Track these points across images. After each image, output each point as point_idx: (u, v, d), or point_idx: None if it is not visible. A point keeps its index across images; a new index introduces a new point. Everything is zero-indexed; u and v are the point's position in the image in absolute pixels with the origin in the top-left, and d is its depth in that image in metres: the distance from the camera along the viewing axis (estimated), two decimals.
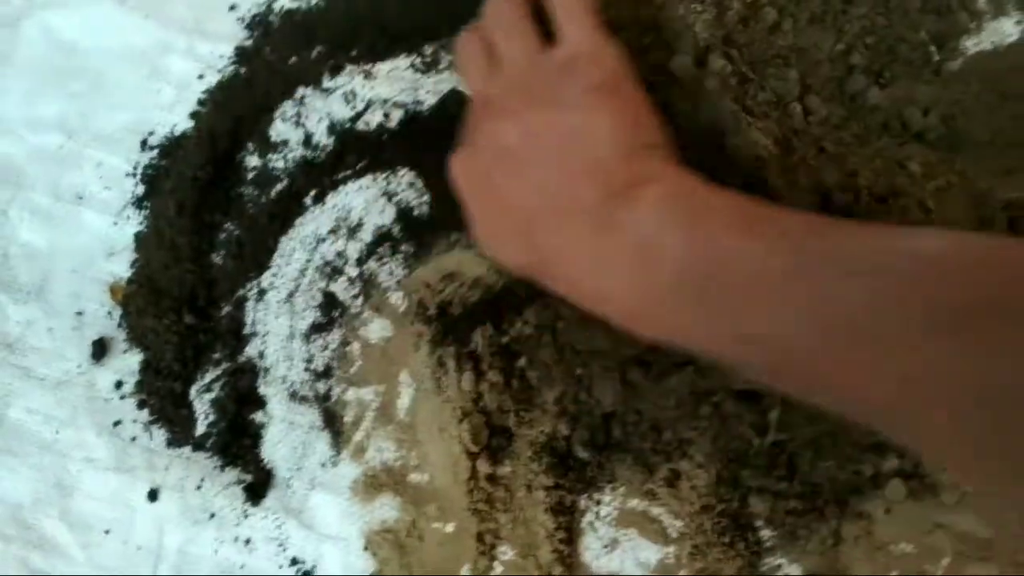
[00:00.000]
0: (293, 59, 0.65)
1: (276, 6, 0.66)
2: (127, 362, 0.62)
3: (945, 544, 0.53)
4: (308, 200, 0.63)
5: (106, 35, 0.66)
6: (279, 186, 0.63)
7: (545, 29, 0.50)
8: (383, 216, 0.62)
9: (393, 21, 0.64)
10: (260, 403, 0.60)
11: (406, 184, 0.62)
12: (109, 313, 0.63)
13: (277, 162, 0.64)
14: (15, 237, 0.65)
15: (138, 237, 0.64)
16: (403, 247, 0.61)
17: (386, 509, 0.58)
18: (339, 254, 0.62)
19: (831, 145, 0.53)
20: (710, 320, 0.41)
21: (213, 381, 0.61)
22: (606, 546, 0.57)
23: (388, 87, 0.63)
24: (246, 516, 0.59)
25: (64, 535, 0.61)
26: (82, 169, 0.65)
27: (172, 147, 0.65)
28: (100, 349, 0.63)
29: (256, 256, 0.62)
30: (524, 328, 0.57)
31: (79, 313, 0.64)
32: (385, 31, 0.64)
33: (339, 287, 0.61)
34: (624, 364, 0.56)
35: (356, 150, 0.63)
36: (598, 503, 0.57)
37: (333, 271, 0.62)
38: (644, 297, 0.43)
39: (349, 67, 0.64)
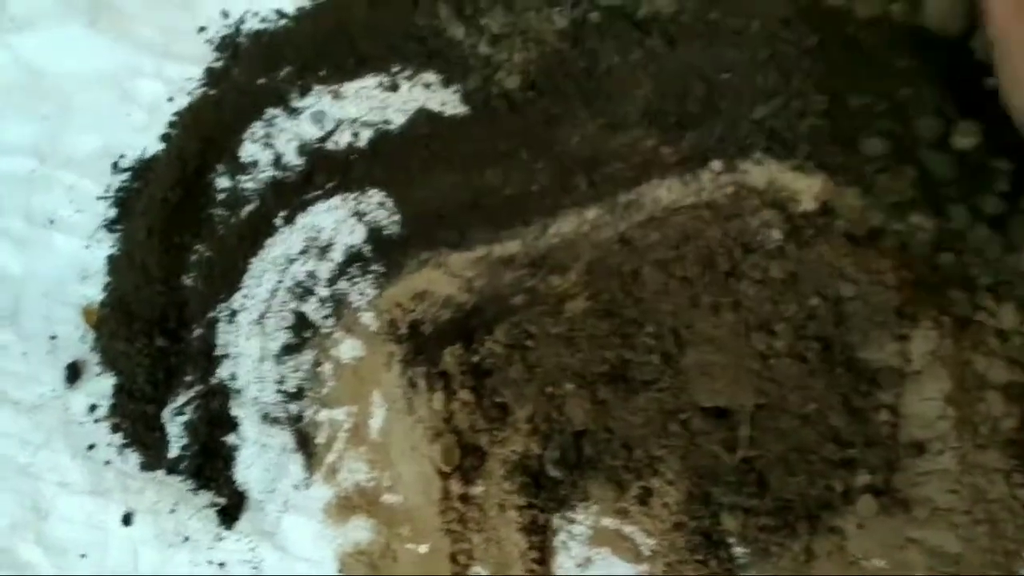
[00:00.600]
0: (262, 80, 0.65)
1: (244, 28, 0.66)
2: (101, 385, 0.63)
3: (917, 559, 0.53)
4: (278, 220, 0.63)
5: (75, 59, 0.66)
6: (249, 207, 0.63)
7: None
8: (353, 236, 0.62)
9: (360, 41, 0.64)
10: (232, 425, 0.61)
11: (376, 204, 0.62)
12: (82, 336, 0.64)
13: (247, 183, 0.64)
14: None
15: (110, 260, 0.64)
16: (373, 267, 0.61)
17: (359, 531, 0.58)
18: (310, 274, 0.62)
19: None
20: None
21: (185, 404, 0.61)
22: (579, 565, 0.57)
23: (357, 107, 0.63)
24: (220, 539, 0.59)
25: (40, 559, 0.61)
26: (53, 192, 0.65)
27: (143, 169, 0.65)
28: (74, 372, 0.63)
29: (227, 277, 0.62)
30: (494, 347, 0.57)
31: (53, 337, 0.64)
32: (353, 51, 0.64)
33: (310, 307, 0.62)
34: (594, 382, 0.56)
35: (326, 170, 0.63)
36: (571, 522, 0.57)
37: (304, 291, 0.62)
38: None
39: (317, 87, 0.64)
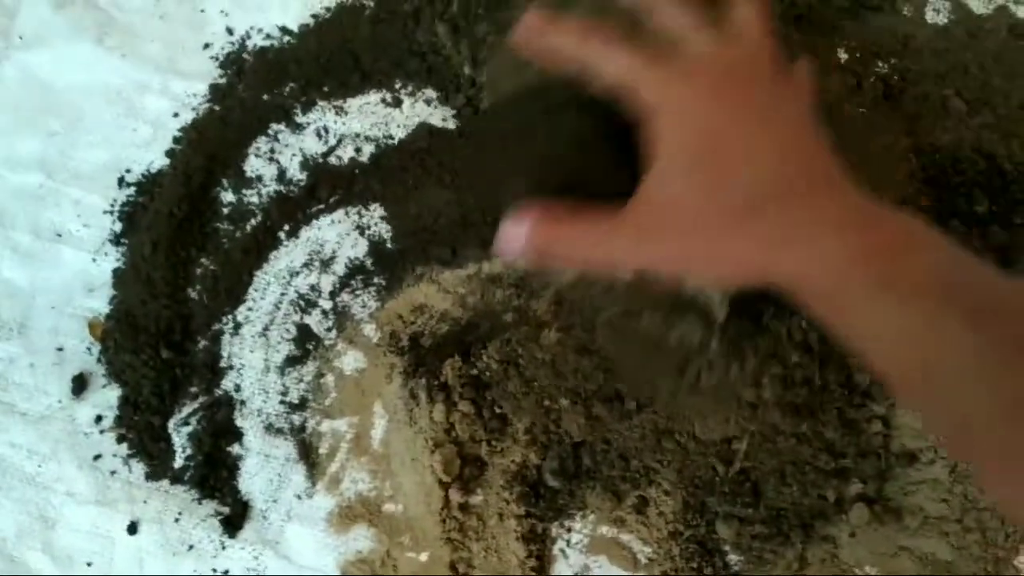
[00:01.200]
0: (266, 96, 0.66)
1: (249, 44, 0.67)
2: (106, 397, 0.63)
3: (909, 567, 0.54)
4: (282, 234, 0.64)
5: (83, 75, 0.67)
6: (254, 221, 0.64)
7: None
8: (355, 249, 0.63)
9: (364, 57, 0.65)
10: (237, 436, 0.61)
11: (378, 218, 0.63)
12: (89, 349, 0.64)
13: (252, 197, 0.65)
14: None
15: (116, 273, 0.65)
16: (375, 279, 0.62)
17: (361, 539, 0.59)
18: (313, 287, 0.63)
19: None
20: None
21: (190, 415, 0.62)
22: (577, 573, 0.58)
23: (359, 122, 0.65)
24: (223, 548, 0.60)
25: (47, 567, 0.61)
26: (61, 207, 0.66)
27: (149, 184, 0.66)
28: (80, 384, 0.63)
29: (231, 290, 0.63)
30: (489, 361, 0.59)
31: (59, 349, 0.65)
32: (356, 67, 0.65)
33: (313, 320, 0.63)
34: (588, 399, 0.57)
35: (329, 184, 0.64)
36: (569, 531, 0.58)
37: (307, 304, 0.63)
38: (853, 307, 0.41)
39: (321, 103, 0.65)
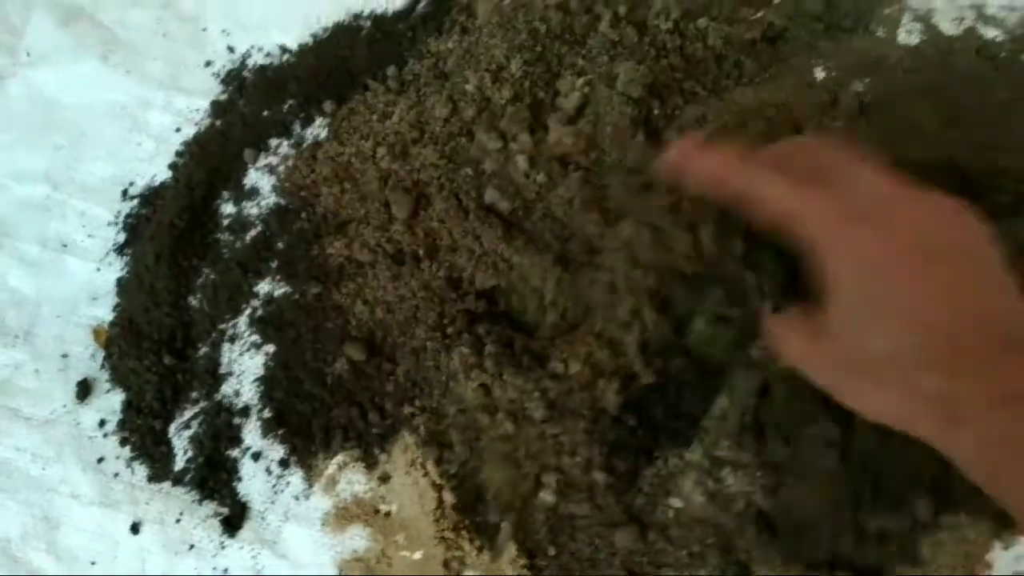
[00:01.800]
0: (266, 112, 0.68)
1: (249, 62, 0.69)
2: (110, 401, 0.65)
3: None
4: (280, 244, 0.66)
5: (88, 92, 0.69)
6: (253, 232, 0.66)
7: None
8: None
9: (361, 75, 0.67)
10: (236, 439, 0.63)
11: None
12: (93, 355, 0.66)
13: (251, 209, 0.67)
14: (3, 284, 0.68)
15: (120, 282, 0.67)
16: None
17: (356, 539, 0.61)
18: None
19: None
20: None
21: (191, 419, 0.64)
22: None
23: None
24: (223, 547, 0.62)
25: (52, 567, 0.63)
26: (66, 218, 0.68)
27: (152, 196, 0.68)
28: (84, 389, 0.65)
29: (231, 299, 0.65)
30: None
31: (64, 355, 0.66)
32: (353, 84, 0.67)
33: None
34: None
35: None
36: None
37: None
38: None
39: (319, 119, 0.68)
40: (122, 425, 0.65)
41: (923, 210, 0.40)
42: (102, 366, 0.66)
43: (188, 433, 0.64)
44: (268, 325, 0.64)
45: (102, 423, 0.65)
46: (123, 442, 0.64)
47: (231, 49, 0.70)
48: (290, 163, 0.66)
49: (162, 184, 0.68)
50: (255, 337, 0.64)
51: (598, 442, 0.54)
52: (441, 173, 0.61)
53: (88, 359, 0.66)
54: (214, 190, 0.68)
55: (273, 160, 0.67)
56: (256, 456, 0.62)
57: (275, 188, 0.66)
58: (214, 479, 0.63)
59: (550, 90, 0.61)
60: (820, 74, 0.62)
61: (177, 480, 0.63)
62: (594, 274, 0.53)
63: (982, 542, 0.55)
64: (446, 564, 0.59)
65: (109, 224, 0.68)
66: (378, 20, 0.69)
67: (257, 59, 0.70)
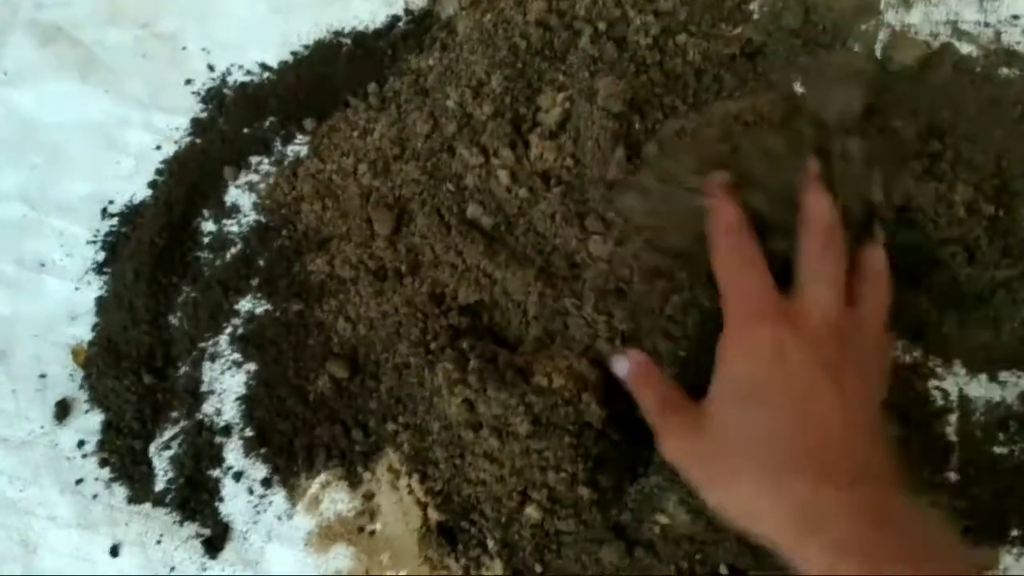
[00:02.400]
0: (246, 129, 0.68)
1: (230, 80, 0.69)
2: (89, 422, 0.65)
3: None
4: (261, 262, 0.65)
5: (67, 110, 0.69)
6: (233, 249, 0.66)
7: None
8: None
9: (341, 92, 0.68)
10: (217, 459, 0.62)
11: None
12: (71, 375, 0.66)
13: (232, 227, 0.66)
14: None
15: (99, 301, 0.66)
16: None
17: (340, 558, 0.60)
18: None
19: None
20: None
21: (172, 439, 0.63)
22: None
23: None
24: (205, 569, 0.61)
25: None
26: (44, 237, 0.68)
27: (131, 215, 0.68)
28: (63, 410, 0.65)
29: (212, 317, 0.65)
30: None
31: (42, 376, 0.66)
32: (334, 102, 0.67)
33: None
34: None
35: None
36: None
37: None
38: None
39: (300, 136, 0.68)
40: (101, 446, 0.64)
41: (855, 358, 0.46)
42: (81, 386, 0.65)
43: (169, 453, 0.63)
44: (249, 343, 0.63)
45: (81, 444, 0.64)
46: (102, 463, 0.64)
47: (211, 67, 0.70)
48: (271, 180, 0.66)
49: (142, 202, 0.68)
50: (236, 355, 0.64)
51: (582, 457, 0.54)
52: (423, 189, 0.61)
53: (67, 379, 0.66)
54: (194, 208, 0.67)
55: (254, 178, 0.67)
56: (238, 476, 0.62)
57: (256, 206, 0.66)
58: (195, 500, 0.62)
59: (531, 105, 0.61)
60: (800, 88, 0.62)
61: (157, 501, 0.62)
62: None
63: None
64: None
65: (88, 243, 0.68)
66: (358, 37, 0.69)
67: (237, 77, 0.70)
